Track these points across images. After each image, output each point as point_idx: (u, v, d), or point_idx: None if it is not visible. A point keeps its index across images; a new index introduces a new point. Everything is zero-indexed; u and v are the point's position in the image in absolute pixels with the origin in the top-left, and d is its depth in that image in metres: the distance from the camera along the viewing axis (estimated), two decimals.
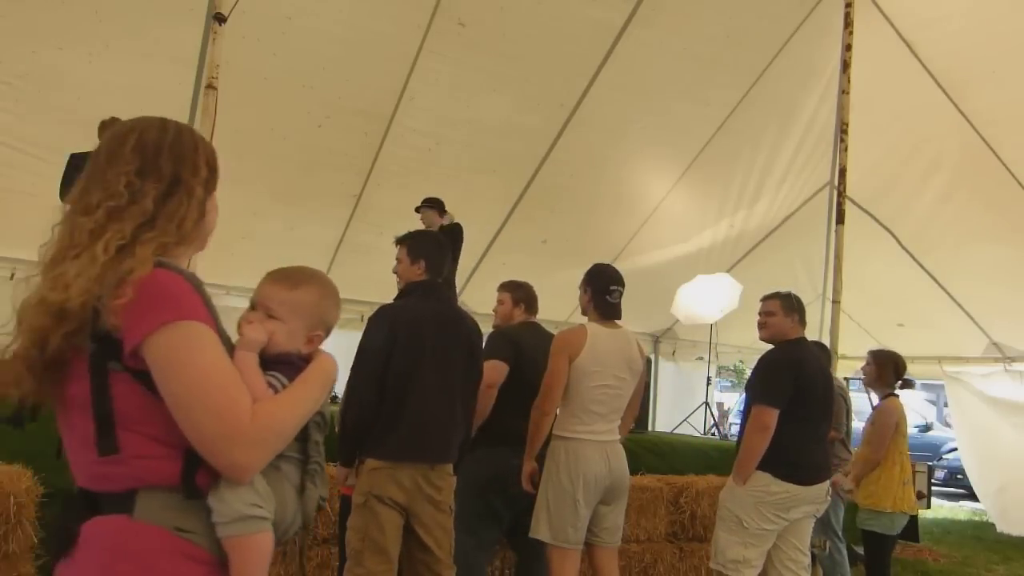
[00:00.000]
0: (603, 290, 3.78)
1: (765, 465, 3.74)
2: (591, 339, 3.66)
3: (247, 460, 1.30)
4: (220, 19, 3.98)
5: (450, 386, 3.35)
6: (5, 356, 1.31)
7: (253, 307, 1.54)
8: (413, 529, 3.23)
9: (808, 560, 3.95)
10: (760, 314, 4.11)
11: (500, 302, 4.27)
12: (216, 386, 1.28)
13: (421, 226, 6.14)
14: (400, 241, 3.60)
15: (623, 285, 3.83)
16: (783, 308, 4.02)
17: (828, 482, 3.93)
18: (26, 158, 5.65)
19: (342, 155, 6.58)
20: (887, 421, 4.59)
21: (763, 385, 3.86)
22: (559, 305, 6.73)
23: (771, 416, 3.73)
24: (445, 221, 6.36)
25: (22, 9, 5.10)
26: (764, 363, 3.98)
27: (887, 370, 4.75)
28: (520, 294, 4.23)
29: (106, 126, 5.20)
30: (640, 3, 6.02)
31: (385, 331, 3.28)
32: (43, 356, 1.28)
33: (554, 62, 6.35)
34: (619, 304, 3.81)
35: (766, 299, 4.12)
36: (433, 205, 6.39)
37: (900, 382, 4.77)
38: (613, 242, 8.04)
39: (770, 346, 4.06)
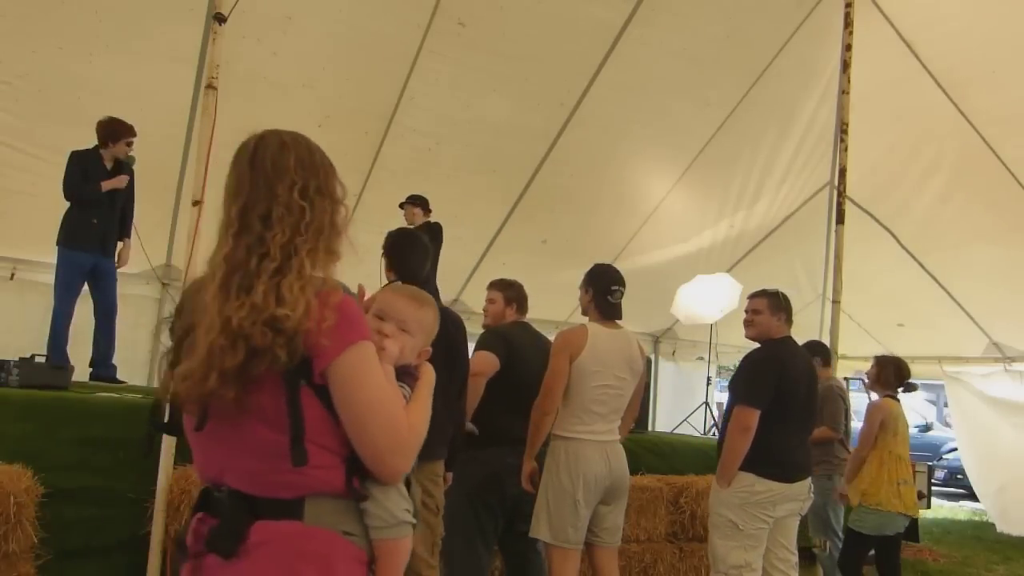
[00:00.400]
0: (604, 290, 3.78)
1: (748, 465, 3.73)
2: (592, 339, 3.66)
3: (405, 467, 1.45)
4: (220, 19, 3.97)
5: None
6: (184, 362, 1.36)
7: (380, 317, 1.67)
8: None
9: (796, 558, 3.95)
10: (746, 312, 4.09)
11: (491, 301, 4.23)
12: (386, 402, 1.42)
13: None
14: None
15: (624, 285, 3.82)
16: (770, 307, 4.00)
17: (810, 479, 3.93)
18: (26, 158, 5.65)
19: (342, 155, 6.45)
20: (872, 421, 4.60)
21: (745, 385, 3.85)
22: (559, 305, 6.74)
23: (752, 417, 3.72)
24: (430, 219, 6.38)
25: (22, 9, 5.10)
26: (747, 363, 3.97)
27: (886, 371, 4.76)
28: (511, 293, 4.20)
29: (104, 126, 5.21)
30: (640, 3, 6.02)
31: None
32: (250, 369, 1.33)
33: (554, 62, 6.35)
34: (620, 304, 3.82)
35: (753, 297, 4.10)
36: (417, 202, 6.40)
37: (902, 386, 4.77)
38: (613, 242, 8.04)
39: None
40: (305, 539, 1.38)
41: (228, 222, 1.43)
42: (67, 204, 5.09)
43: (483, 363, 3.81)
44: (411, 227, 6.03)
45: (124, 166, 5.31)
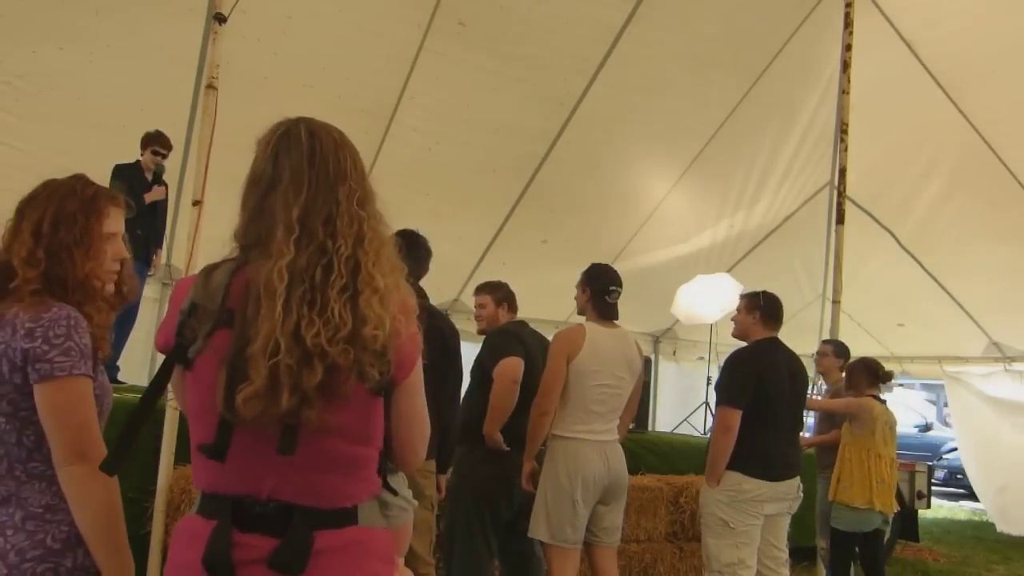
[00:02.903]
0: (602, 290, 3.78)
1: (735, 464, 3.77)
2: (590, 339, 3.67)
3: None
4: (220, 19, 3.97)
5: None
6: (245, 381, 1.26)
7: None
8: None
9: (786, 556, 3.97)
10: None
11: (482, 306, 4.19)
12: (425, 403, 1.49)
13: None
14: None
15: (621, 285, 3.83)
16: (744, 307, 4.08)
17: (798, 479, 3.94)
18: (26, 158, 5.64)
19: None
20: (848, 404, 4.70)
21: (725, 386, 3.90)
22: (559, 305, 6.73)
23: (733, 416, 3.76)
24: None
25: (22, 9, 5.10)
26: (727, 364, 4.02)
27: (856, 373, 4.83)
28: (500, 294, 4.17)
29: (152, 139, 5.33)
30: (640, 3, 6.01)
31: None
32: (335, 387, 1.28)
33: (554, 62, 6.34)
34: (617, 304, 3.82)
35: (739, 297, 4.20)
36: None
37: (881, 380, 4.81)
38: (613, 242, 8.04)
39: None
40: (372, 541, 1.39)
41: (287, 224, 1.32)
42: None
43: (517, 369, 3.76)
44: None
45: (158, 176, 5.51)
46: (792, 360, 4.04)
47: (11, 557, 1.53)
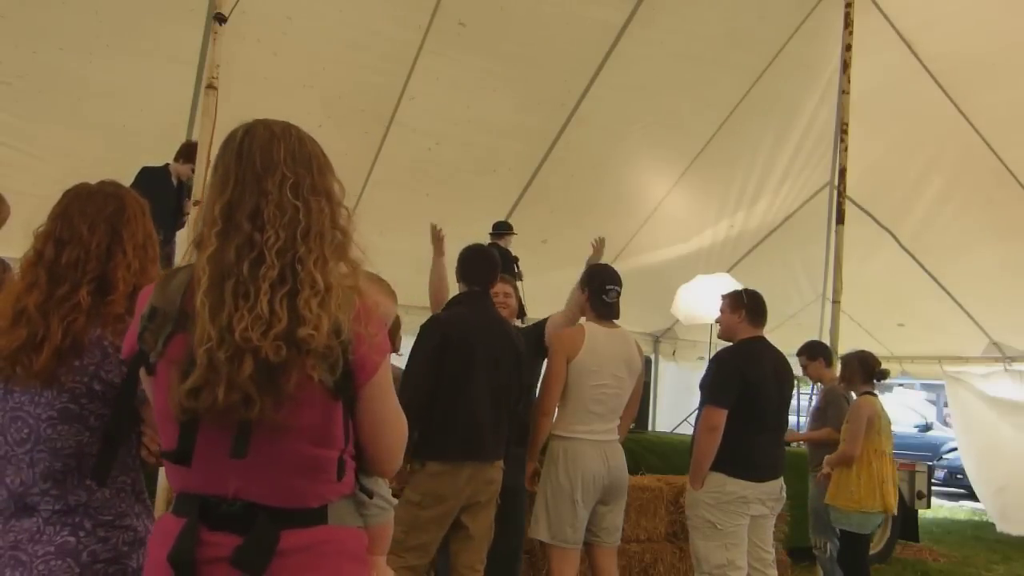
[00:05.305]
0: (599, 290, 3.78)
1: (719, 465, 3.74)
2: (589, 339, 3.67)
3: (401, 462, 1.53)
4: (220, 19, 3.97)
5: (495, 388, 3.43)
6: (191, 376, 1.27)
7: None
8: (462, 523, 3.36)
9: (772, 556, 3.94)
10: None
11: (509, 295, 4.20)
12: (399, 408, 1.47)
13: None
14: None
15: (620, 285, 3.82)
16: (728, 305, 4.03)
17: (781, 479, 3.91)
18: (26, 158, 5.64)
19: (342, 155, 6.46)
20: (859, 418, 4.57)
21: (710, 385, 3.87)
22: (559, 305, 6.70)
23: (718, 416, 3.72)
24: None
25: (22, 9, 5.10)
26: (712, 362, 4.01)
27: (851, 368, 4.75)
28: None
29: (191, 149, 5.22)
30: (640, 3, 6.01)
31: (437, 339, 3.38)
32: (278, 385, 1.26)
33: (554, 62, 6.34)
34: (616, 304, 3.81)
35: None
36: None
37: (876, 377, 4.76)
38: (613, 242, 8.00)
39: None
40: (339, 540, 1.39)
41: (211, 220, 1.32)
42: None
43: None
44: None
45: (183, 187, 5.34)
46: (778, 360, 3.99)
47: (84, 557, 1.61)
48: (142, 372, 1.37)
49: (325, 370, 1.29)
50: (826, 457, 4.80)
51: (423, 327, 3.46)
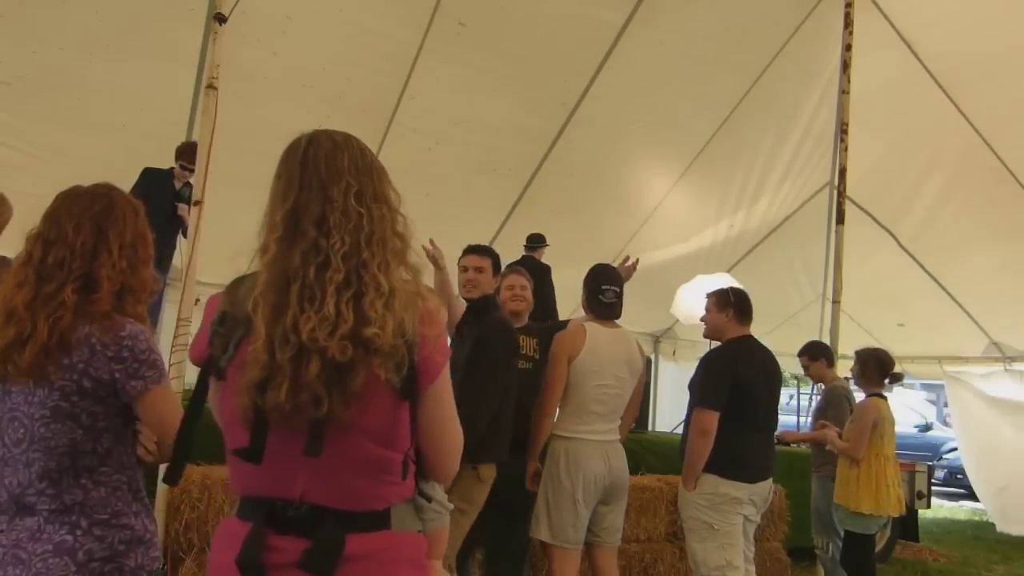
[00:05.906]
0: (596, 290, 3.78)
1: (711, 466, 3.70)
2: (590, 339, 3.67)
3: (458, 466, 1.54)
4: (220, 19, 3.96)
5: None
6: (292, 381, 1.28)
7: None
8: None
9: (752, 552, 3.90)
10: None
11: (524, 288, 4.07)
12: (456, 411, 1.48)
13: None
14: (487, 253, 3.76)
15: (618, 285, 3.81)
16: (715, 304, 3.97)
17: (771, 480, 3.88)
18: (26, 158, 5.64)
19: None
20: (863, 419, 4.52)
21: (700, 387, 3.81)
22: (559, 305, 6.73)
23: (710, 419, 3.68)
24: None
25: (22, 9, 5.10)
26: (701, 364, 3.94)
27: (869, 367, 4.67)
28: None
29: (186, 152, 5.25)
30: (640, 3, 6.01)
31: (505, 345, 3.52)
32: (346, 384, 1.29)
33: (554, 62, 6.34)
34: (615, 304, 3.79)
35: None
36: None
37: (888, 378, 4.71)
38: (613, 242, 8.03)
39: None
40: (402, 546, 1.40)
41: (272, 226, 1.35)
42: None
43: None
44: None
45: (183, 197, 5.39)
46: (768, 359, 3.95)
47: (80, 555, 1.64)
48: (211, 379, 1.40)
49: (392, 370, 1.31)
50: (832, 435, 4.74)
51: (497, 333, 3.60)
